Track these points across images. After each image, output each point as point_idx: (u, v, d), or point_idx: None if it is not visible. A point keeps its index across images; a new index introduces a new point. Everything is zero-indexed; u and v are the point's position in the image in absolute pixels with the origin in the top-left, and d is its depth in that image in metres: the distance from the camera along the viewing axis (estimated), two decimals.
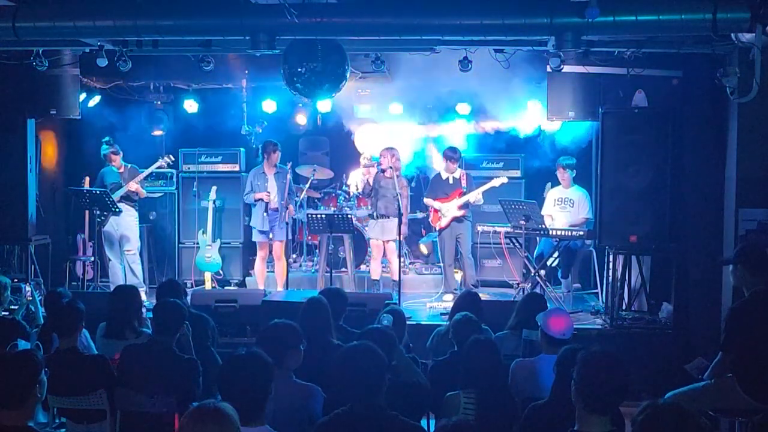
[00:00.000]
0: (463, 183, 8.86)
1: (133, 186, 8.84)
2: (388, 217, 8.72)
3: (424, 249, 10.37)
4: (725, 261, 5.60)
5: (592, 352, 3.28)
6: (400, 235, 8.31)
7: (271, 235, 8.83)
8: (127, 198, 8.92)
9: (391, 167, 8.66)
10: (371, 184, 8.92)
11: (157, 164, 9.06)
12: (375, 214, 8.88)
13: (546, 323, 4.52)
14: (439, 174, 9.16)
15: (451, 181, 8.97)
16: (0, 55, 7.71)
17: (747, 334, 4.57)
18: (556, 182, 9.08)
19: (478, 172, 9.47)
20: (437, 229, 9.03)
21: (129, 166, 9.03)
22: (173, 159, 9.34)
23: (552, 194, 9.01)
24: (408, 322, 5.43)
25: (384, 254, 8.98)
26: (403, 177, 9.06)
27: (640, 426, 2.67)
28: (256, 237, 8.98)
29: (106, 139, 9.02)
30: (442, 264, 9.07)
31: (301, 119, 10.71)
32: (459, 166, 9.00)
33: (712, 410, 4.66)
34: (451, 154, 8.96)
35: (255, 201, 8.85)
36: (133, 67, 7.58)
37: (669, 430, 2.63)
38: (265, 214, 8.77)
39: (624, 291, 7.94)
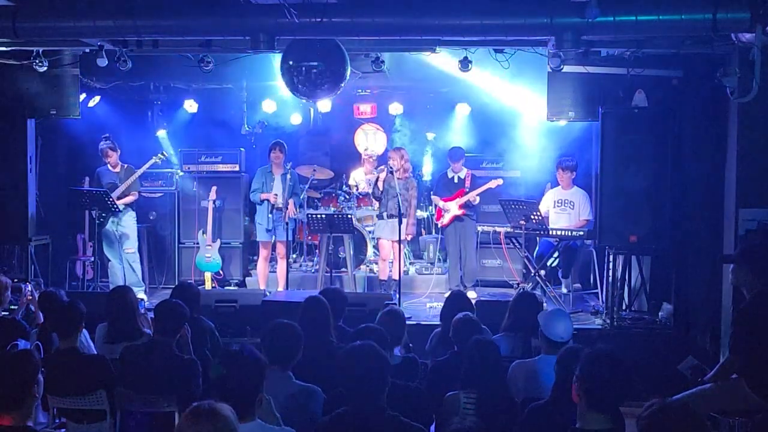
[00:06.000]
0: (467, 183, 9.00)
1: (128, 200, 8.89)
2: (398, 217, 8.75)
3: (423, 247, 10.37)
4: (727, 259, 5.58)
5: (596, 350, 3.30)
6: (400, 234, 8.31)
7: (273, 237, 8.84)
8: (125, 197, 8.92)
9: (400, 168, 8.70)
10: (381, 186, 8.88)
11: (151, 162, 9.07)
12: (385, 214, 8.88)
13: (546, 325, 4.52)
14: (445, 173, 9.33)
15: (456, 181, 9.16)
16: (0, 55, 7.71)
17: (756, 335, 4.53)
18: (555, 182, 9.07)
19: (478, 172, 9.48)
20: (440, 227, 9.23)
21: (126, 166, 9.03)
22: (166, 155, 9.34)
23: (550, 195, 8.96)
24: (408, 322, 5.42)
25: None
26: (413, 178, 9.08)
27: (647, 423, 2.68)
28: (260, 236, 8.98)
29: (105, 135, 9.03)
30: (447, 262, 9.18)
31: (296, 119, 10.72)
32: (464, 166, 9.17)
33: (718, 412, 4.64)
34: (452, 155, 9.15)
35: (261, 201, 8.85)
36: (133, 67, 7.58)
37: (674, 428, 2.63)
38: (270, 215, 8.77)
39: (624, 291, 7.94)
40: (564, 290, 8.83)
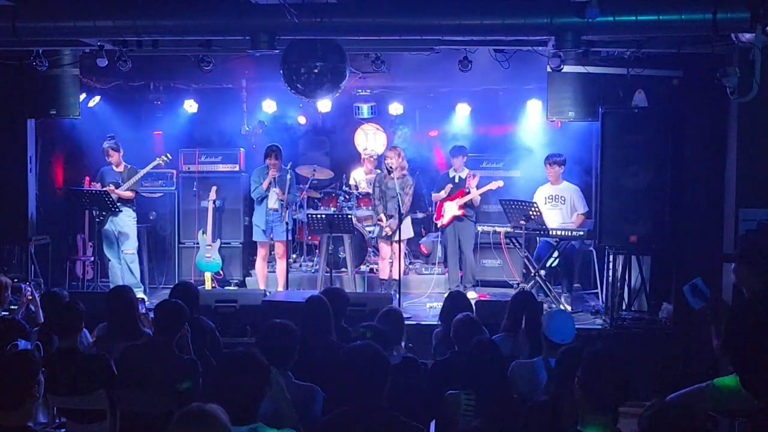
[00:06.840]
0: (468, 183, 8.96)
1: (126, 194, 8.85)
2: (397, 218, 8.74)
3: (424, 249, 10.39)
4: (728, 259, 5.56)
5: (597, 350, 3.30)
6: (400, 234, 8.30)
7: (271, 235, 8.83)
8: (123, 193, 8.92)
9: (398, 166, 8.69)
10: (379, 189, 8.86)
11: (154, 163, 9.06)
12: (384, 215, 8.86)
13: (548, 326, 4.50)
14: (447, 172, 9.32)
15: (456, 180, 9.15)
16: (0, 55, 7.71)
17: (751, 334, 4.52)
18: None
19: (478, 172, 9.47)
20: (440, 226, 9.20)
21: (129, 166, 9.01)
22: (170, 157, 9.34)
23: (541, 192, 8.89)
24: (408, 322, 5.43)
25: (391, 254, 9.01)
26: (409, 176, 9.07)
27: (647, 423, 2.68)
28: (257, 236, 8.97)
29: (110, 135, 9.03)
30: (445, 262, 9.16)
31: (302, 119, 10.73)
32: (464, 165, 9.17)
33: (715, 411, 4.63)
34: (452, 151, 9.17)
35: (265, 191, 8.72)
36: (133, 67, 7.58)
37: (674, 427, 2.64)
38: (267, 217, 8.76)
39: (624, 291, 7.94)
40: (564, 290, 8.80)
